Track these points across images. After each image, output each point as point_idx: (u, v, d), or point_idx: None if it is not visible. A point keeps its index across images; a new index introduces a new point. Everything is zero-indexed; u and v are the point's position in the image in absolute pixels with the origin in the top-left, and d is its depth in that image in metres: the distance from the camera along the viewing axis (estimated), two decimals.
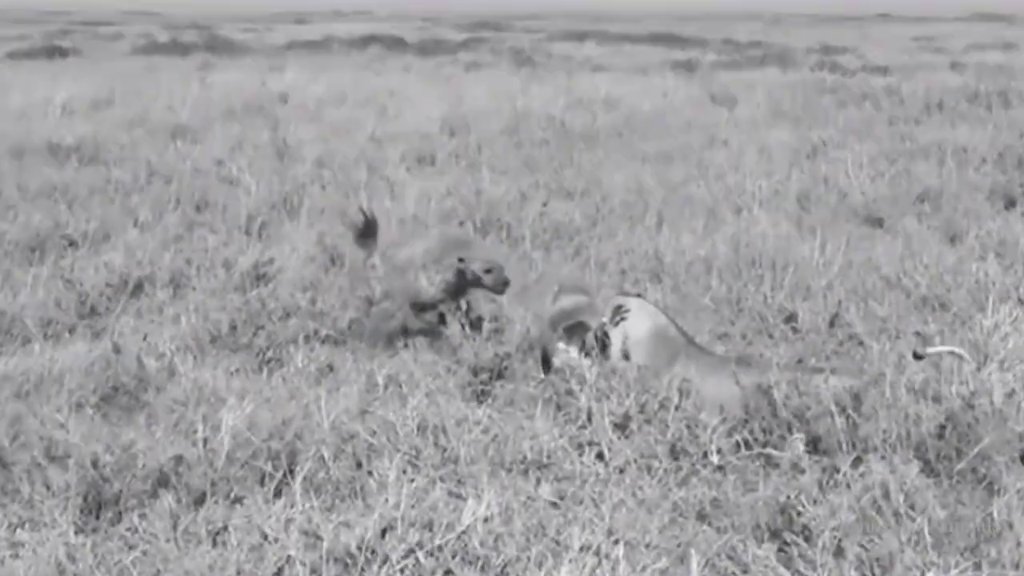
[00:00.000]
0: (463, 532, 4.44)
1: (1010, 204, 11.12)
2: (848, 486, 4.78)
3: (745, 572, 4.55)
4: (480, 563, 4.37)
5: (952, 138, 14.24)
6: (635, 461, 5.35)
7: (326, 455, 5.22)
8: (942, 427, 5.28)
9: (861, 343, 7.13)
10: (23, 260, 9.08)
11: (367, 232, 7.77)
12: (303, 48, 37.82)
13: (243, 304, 7.52)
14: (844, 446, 5.27)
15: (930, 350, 5.89)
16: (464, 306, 7.25)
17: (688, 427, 5.48)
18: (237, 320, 7.31)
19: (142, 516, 4.80)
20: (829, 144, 14.67)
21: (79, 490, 4.90)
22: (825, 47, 37.61)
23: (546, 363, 6.26)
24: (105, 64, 28.45)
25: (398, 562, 4.34)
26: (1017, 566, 4.44)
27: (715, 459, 5.37)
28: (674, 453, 5.41)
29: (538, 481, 5.17)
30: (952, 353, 5.84)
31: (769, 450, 5.39)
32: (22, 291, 8.02)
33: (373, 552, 4.36)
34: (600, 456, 5.41)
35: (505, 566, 4.39)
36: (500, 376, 6.58)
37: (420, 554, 4.36)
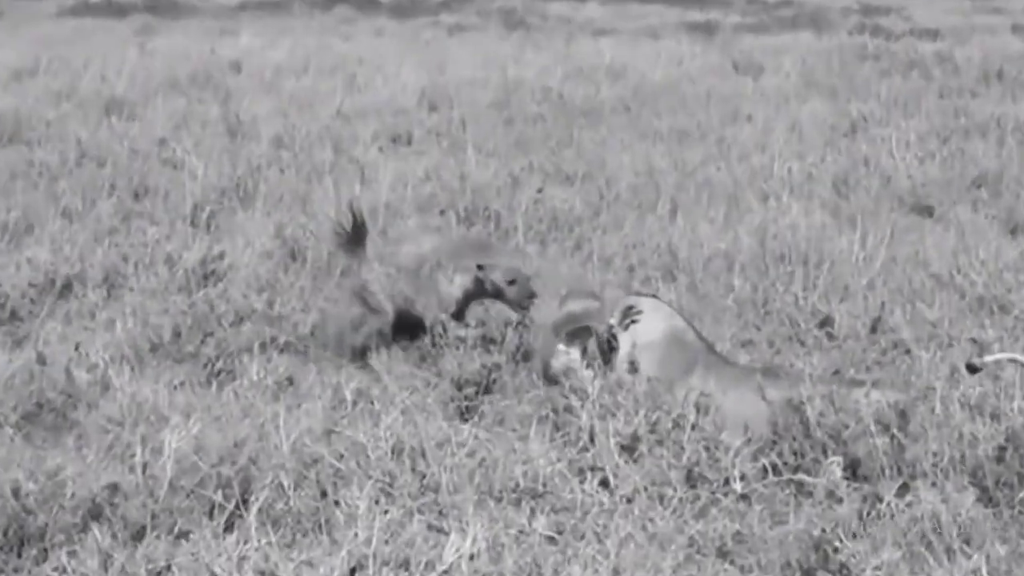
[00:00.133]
0: (445, 572, 4.44)
1: None
2: (893, 518, 4.79)
3: None
4: None
5: (1013, 113, 14.26)
6: (645, 489, 5.35)
7: (285, 482, 5.21)
8: (1002, 449, 5.29)
9: (907, 351, 7.14)
10: None
11: (356, 235, 7.57)
12: (259, 8, 37.69)
13: (188, 307, 7.51)
14: (888, 471, 5.28)
15: (987, 359, 5.90)
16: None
17: (707, 449, 5.49)
18: (181, 326, 7.30)
19: (71, 554, 4.79)
20: (870, 120, 14.67)
21: None
22: (866, 7, 37.59)
23: (546, 374, 6.27)
24: (28, 27, 28.38)
25: None
26: None
27: (738, 487, 5.37)
28: (690, 480, 5.41)
29: (532, 512, 5.17)
30: (1013, 362, 5.85)
31: (801, 476, 5.40)
32: None
33: None
34: (604, 483, 5.41)
35: None
36: (488, 390, 6.58)
37: None
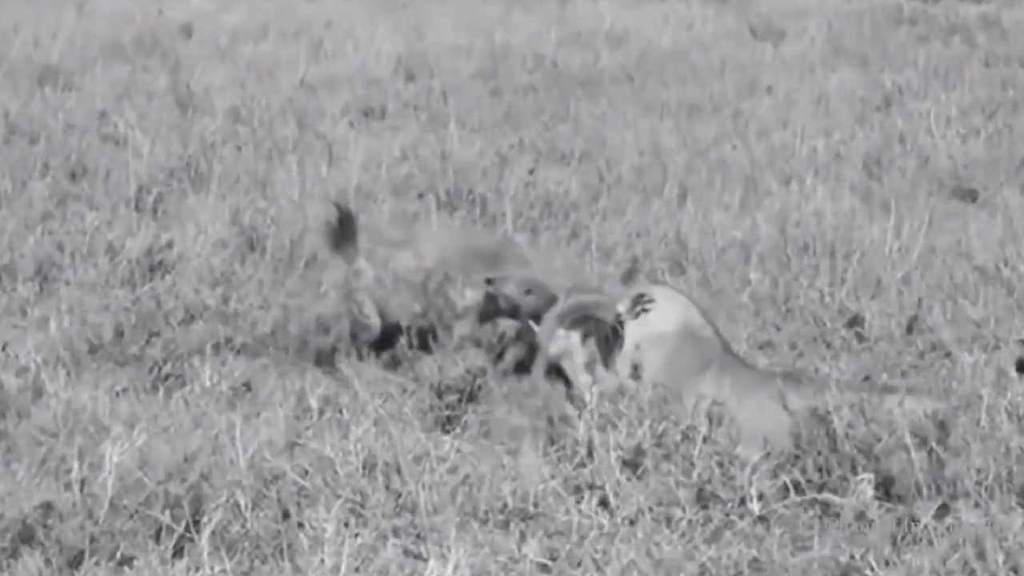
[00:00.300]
0: None
1: None
2: (931, 542, 4.81)
3: None
4: None
5: None
6: (650, 510, 5.35)
7: (242, 502, 5.22)
8: None
9: (948, 354, 7.16)
10: None
11: (344, 232, 7.55)
12: None
13: (132, 303, 7.52)
14: (925, 490, 5.29)
15: None
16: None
17: (720, 465, 5.50)
18: (124, 324, 7.30)
19: None
20: (906, 92, 14.70)
21: None
22: None
23: (543, 362, 6.29)
24: None
25: None
26: None
27: (755, 507, 5.38)
28: (701, 500, 5.42)
29: (522, 536, 5.18)
30: None
31: (827, 495, 5.41)
32: None
33: None
34: (604, 503, 5.42)
35: None
36: (472, 398, 6.59)
37: None
